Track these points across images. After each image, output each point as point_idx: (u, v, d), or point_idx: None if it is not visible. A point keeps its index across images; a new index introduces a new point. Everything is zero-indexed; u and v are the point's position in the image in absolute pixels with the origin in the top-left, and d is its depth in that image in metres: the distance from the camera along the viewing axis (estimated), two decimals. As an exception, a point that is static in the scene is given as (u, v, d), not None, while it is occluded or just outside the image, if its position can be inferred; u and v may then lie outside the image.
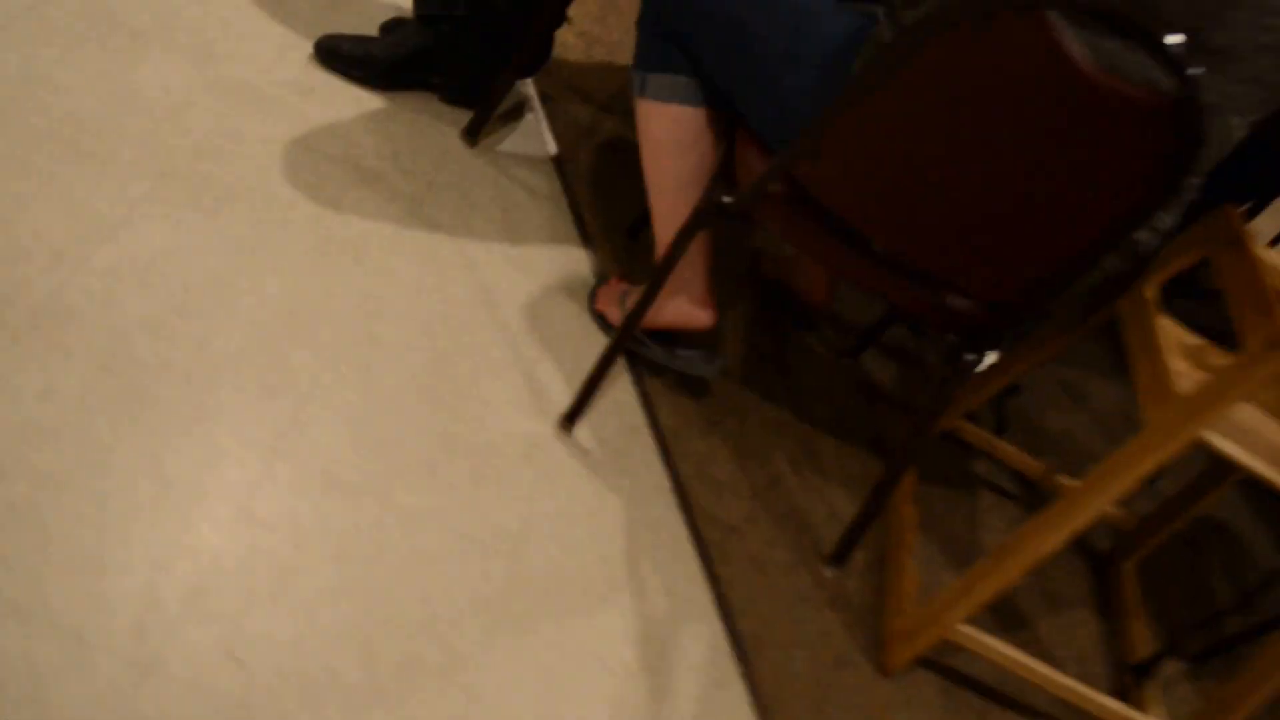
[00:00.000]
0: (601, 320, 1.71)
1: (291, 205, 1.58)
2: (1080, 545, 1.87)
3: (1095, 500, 1.27)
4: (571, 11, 2.03)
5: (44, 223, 1.38)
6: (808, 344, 1.93)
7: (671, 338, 1.65)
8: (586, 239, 1.84)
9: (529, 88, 2.08)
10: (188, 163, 1.55)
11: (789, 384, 1.83)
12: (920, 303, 1.40)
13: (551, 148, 1.99)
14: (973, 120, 1.17)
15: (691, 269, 1.57)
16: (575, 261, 1.79)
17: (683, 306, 1.59)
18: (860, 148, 1.25)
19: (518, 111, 2.03)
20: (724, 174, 1.44)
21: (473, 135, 1.87)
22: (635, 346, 1.66)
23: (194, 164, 1.55)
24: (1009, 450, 1.82)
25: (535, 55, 1.89)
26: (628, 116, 2.16)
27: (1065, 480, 1.81)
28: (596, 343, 1.67)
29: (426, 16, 1.83)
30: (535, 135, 2.00)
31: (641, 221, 1.87)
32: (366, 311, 1.50)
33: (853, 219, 1.34)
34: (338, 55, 1.83)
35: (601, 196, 1.94)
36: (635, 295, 1.65)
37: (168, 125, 1.58)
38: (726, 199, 1.38)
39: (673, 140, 1.53)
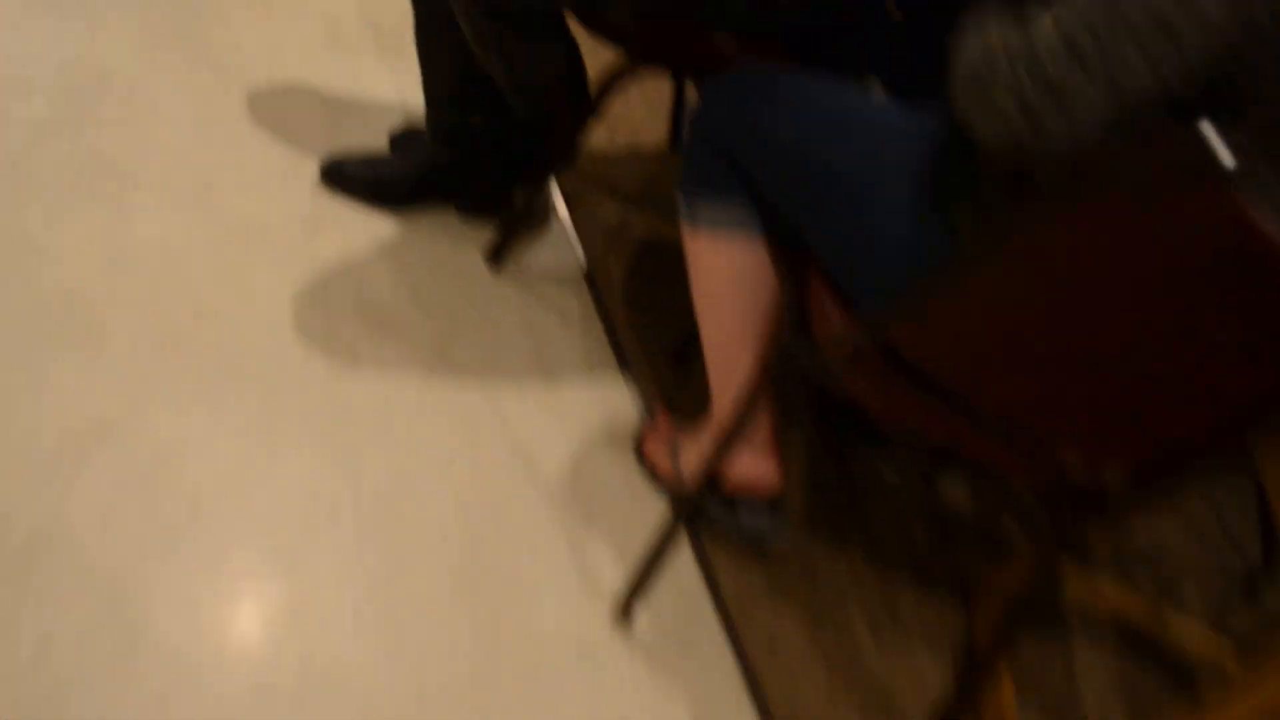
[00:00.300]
0: (652, 473, 1.54)
1: (305, 369, 1.42)
2: (1187, 677, 1.71)
3: (1248, 701, 1.10)
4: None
5: (35, 423, 1.22)
6: (875, 467, 1.77)
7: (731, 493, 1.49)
8: (626, 368, 1.68)
9: (553, 189, 1.91)
10: (190, 330, 1.39)
11: (858, 520, 1.67)
12: (1034, 470, 1.24)
13: (581, 258, 1.82)
14: (1127, 289, 0.99)
15: (752, 419, 1.41)
16: (617, 398, 1.63)
17: (744, 463, 1.43)
18: (975, 315, 1.08)
19: (541, 216, 1.86)
20: (794, 314, 1.27)
21: (496, 257, 1.71)
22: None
23: (197, 330, 1.39)
24: (1108, 591, 1.66)
25: (563, 154, 1.72)
26: (660, 210, 1.99)
27: (1174, 616, 1.65)
28: (648, 502, 1.51)
29: (440, 130, 1.66)
30: (562, 245, 1.83)
31: (687, 343, 1.71)
32: (394, 492, 1.34)
33: (957, 384, 1.18)
34: (345, 179, 1.66)
35: (640, 312, 1.77)
36: (690, 445, 1.49)
37: (166, 286, 1.42)
38: (802, 354, 1.22)
39: (729, 277, 1.36)
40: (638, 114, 2.22)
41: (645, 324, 1.75)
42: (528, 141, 1.68)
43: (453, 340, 1.56)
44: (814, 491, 1.67)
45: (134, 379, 1.30)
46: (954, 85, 1.04)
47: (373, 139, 1.80)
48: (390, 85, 1.94)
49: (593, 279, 1.80)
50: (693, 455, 1.48)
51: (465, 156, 1.67)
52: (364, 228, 1.65)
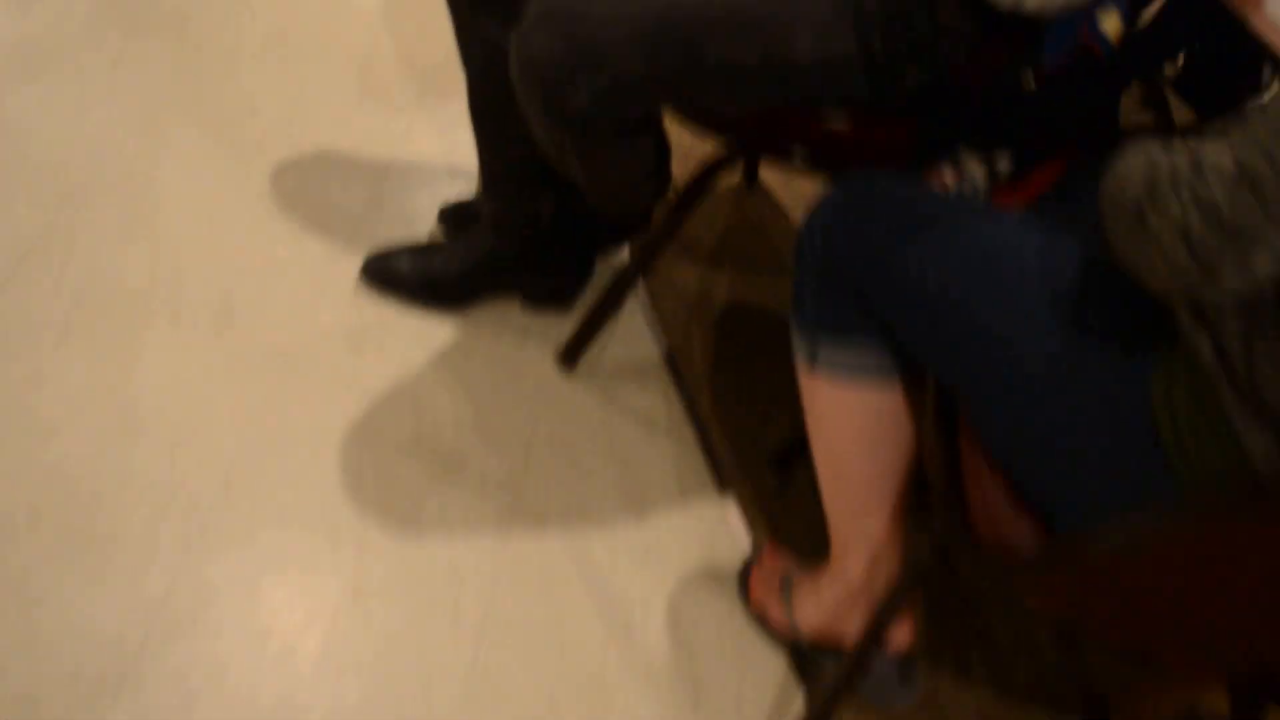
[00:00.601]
0: (761, 618, 1.34)
1: (362, 542, 1.21)
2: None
3: None
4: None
5: (35, 674, 1.02)
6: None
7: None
8: (723, 483, 1.46)
9: (624, 259, 1.66)
10: (221, 507, 1.18)
11: (980, 640, 1.46)
12: (1233, 674, 1.02)
13: (661, 342, 1.59)
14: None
15: (884, 579, 1.20)
16: (715, 521, 1.41)
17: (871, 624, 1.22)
18: (1206, 556, 0.86)
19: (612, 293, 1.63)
20: (952, 510, 1.05)
21: (570, 358, 1.48)
22: (810, 663, 1.30)
23: (229, 507, 1.19)
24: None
25: (646, 258, 1.50)
26: (743, 272, 1.75)
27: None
28: (763, 662, 1.30)
29: (500, 218, 1.42)
30: (638, 325, 1.59)
31: (790, 447, 1.48)
32: (472, 692, 1.14)
33: (1164, 612, 0.95)
34: (392, 279, 1.44)
35: (732, 405, 1.54)
36: (807, 595, 1.28)
37: (188, 449, 1.21)
38: (965, 563, 1.00)
39: (859, 429, 1.14)
40: (710, 146, 1.96)
41: (739, 423, 1.53)
42: (602, 226, 1.44)
43: (527, 478, 1.35)
44: (930, 609, 1.47)
45: (152, 598, 1.10)
46: (1106, 211, 0.83)
47: (420, 210, 1.56)
48: (436, 140, 1.69)
49: (675, 365, 1.57)
50: (810, 608, 1.27)
51: (531, 246, 1.43)
52: (416, 337, 1.42)
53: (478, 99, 1.33)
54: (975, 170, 1.37)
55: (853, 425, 1.13)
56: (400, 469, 1.29)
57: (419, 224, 1.55)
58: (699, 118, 1.22)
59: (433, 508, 1.27)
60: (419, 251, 1.45)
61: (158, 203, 1.43)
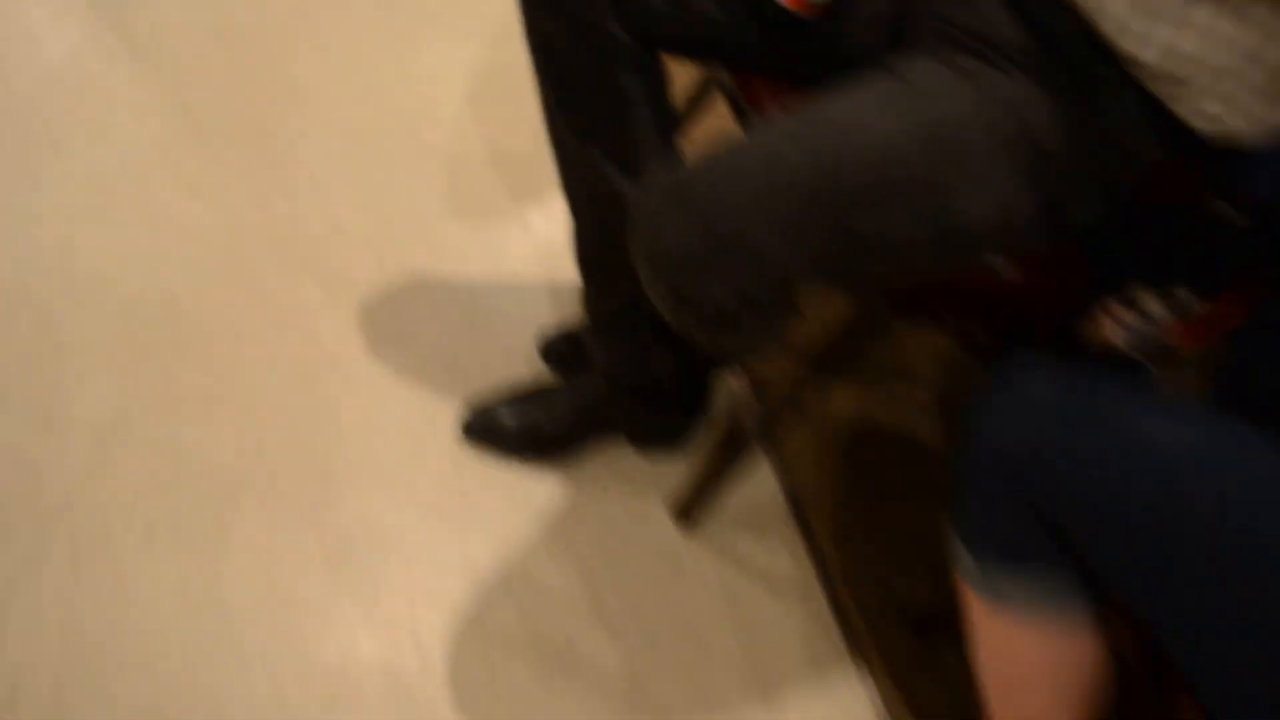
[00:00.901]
0: (911, 825, 1.21)
1: (472, 759, 1.10)
2: None
3: None
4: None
5: None
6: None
7: None
8: (857, 653, 1.32)
9: (741, 389, 1.52)
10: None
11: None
12: None
13: (785, 484, 1.45)
14: None
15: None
16: (852, 704, 1.27)
17: None
18: None
19: (730, 451, 1.49)
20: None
21: (689, 514, 1.35)
22: None
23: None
24: None
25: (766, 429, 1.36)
26: (870, 387, 1.60)
27: None
28: None
29: (608, 366, 1.29)
30: (761, 468, 1.45)
31: (935, 618, 1.34)
32: None
33: None
34: (496, 436, 1.32)
35: (864, 551, 1.40)
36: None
37: (281, 662, 1.11)
38: None
39: (1038, 666, 0.99)
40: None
41: (873, 571, 1.38)
42: (717, 369, 1.31)
43: (649, 664, 1.22)
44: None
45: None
46: None
47: (519, 340, 1.43)
48: (531, 247, 1.55)
49: (801, 510, 1.42)
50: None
51: (641, 394, 1.30)
52: (520, 500, 1.30)
53: (584, 245, 1.20)
54: (1153, 308, 1.20)
55: (1029, 660, 0.98)
56: (510, 665, 1.17)
57: (518, 357, 1.42)
58: (842, 288, 1.07)
59: (548, 709, 1.15)
60: (521, 404, 1.32)
61: (241, 358, 1.33)
